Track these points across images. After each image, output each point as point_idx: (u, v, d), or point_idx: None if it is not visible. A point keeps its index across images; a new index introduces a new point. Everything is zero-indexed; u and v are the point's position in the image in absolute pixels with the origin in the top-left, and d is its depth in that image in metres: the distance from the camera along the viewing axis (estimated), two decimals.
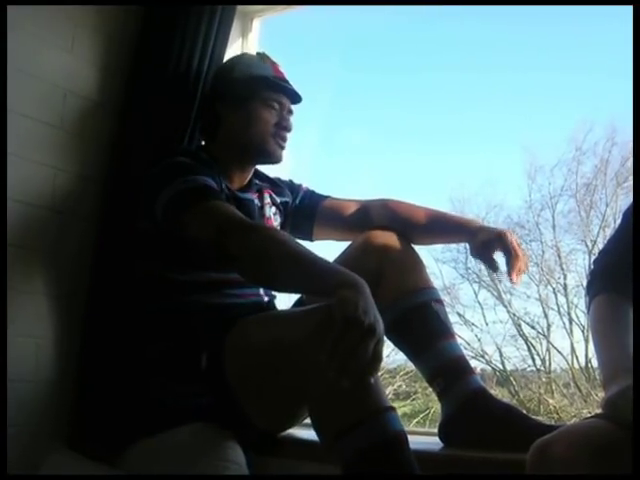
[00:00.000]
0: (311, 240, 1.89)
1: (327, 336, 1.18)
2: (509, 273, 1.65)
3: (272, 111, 1.73)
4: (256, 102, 1.72)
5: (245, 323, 1.44)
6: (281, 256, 1.37)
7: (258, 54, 1.80)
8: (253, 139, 1.72)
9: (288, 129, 1.75)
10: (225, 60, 1.87)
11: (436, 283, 1.81)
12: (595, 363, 4.65)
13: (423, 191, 6.06)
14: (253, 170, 1.80)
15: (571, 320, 5.38)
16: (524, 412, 1.60)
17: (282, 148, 1.75)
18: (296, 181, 1.93)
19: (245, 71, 1.74)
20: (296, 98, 1.78)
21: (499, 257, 1.68)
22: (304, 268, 1.35)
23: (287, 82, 1.76)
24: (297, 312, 1.39)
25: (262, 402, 1.42)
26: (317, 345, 1.22)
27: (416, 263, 1.73)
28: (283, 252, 1.38)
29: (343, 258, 1.74)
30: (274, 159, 1.76)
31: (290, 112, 1.77)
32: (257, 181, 1.81)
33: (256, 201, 1.77)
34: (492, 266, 1.69)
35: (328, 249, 1.93)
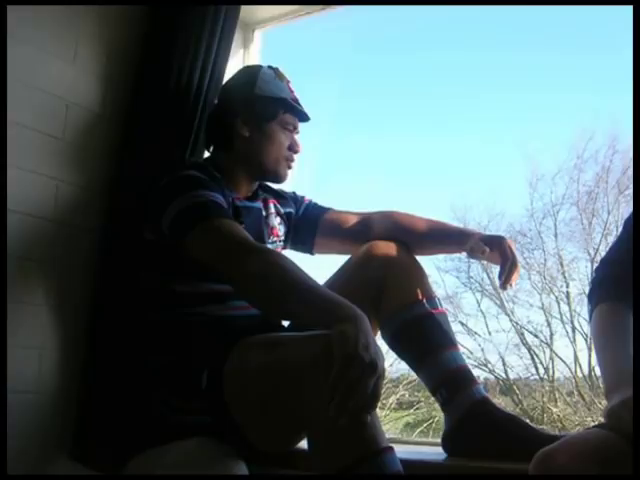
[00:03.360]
0: (312, 253, 1.90)
1: (326, 367, 1.18)
2: (501, 278, 1.65)
3: (287, 133, 1.75)
4: (275, 124, 1.73)
5: (245, 345, 1.43)
6: (280, 283, 1.37)
7: (271, 69, 1.79)
8: (268, 160, 1.73)
9: (299, 152, 1.78)
10: (242, 74, 1.84)
11: (439, 292, 1.82)
12: (598, 371, 4.63)
13: (424, 196, 6.06)
14: (258, 182, 1.81)
15: (574, 328, 5.38)
16: (527, 421, 1.60)
17: (290, 169, 1.78)
18: (300, 192, 1.94)
19: (265, 89, 1.73)
20: (307, 119, 1.81)
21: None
22: (303, 297, 1.35)
23: (299, 103, 1.78)
24: (298, 338, 1.36)
25: (260, 425, 1.40)
26: (316, 374, 1.22)
27: (419, 273, 1.73)
28: (282, 279, 1.37)
29: (346, 269, 1.75)
30: (281, 180, 1.79)
31: (298, 132, 1.79)
32: (262, 192, 1.82)
33: (262, 210, 1.77)
34: (482, 258, 1.69)
35: (329, 261, 1.94)
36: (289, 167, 1.77)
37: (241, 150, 1.74)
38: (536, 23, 5.45)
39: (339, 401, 1.14)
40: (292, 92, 1.77)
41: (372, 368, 1.17)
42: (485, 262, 1.77)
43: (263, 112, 1.73)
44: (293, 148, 1.76)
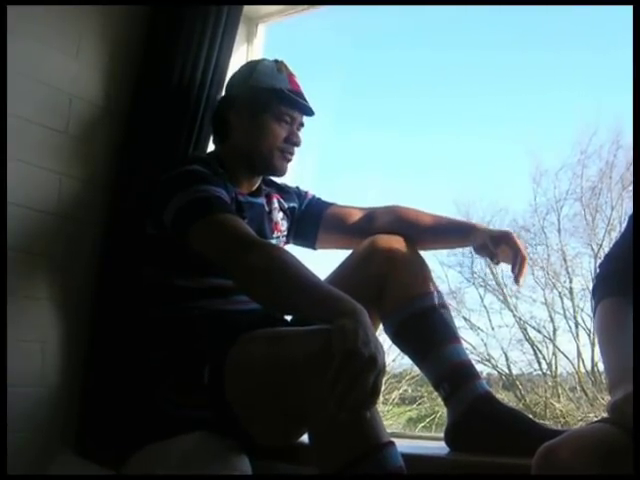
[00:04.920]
0: (314, 248, 1.89)
1: (326, 363, 1.17)
2: (514, 271, 1.65)
3: (283, 125, 1.71)
4: (268, 115, 1.70)
5: (246, 340, 1.42)
6: (281, 277, 1.37)
7: (276, 62, 1.77)
8: (261, 152, 1.71)
9: (297, 144, 1.74)
10: (241, 66, 1.84)
11: (442, 287, 1.82)
12: (601, 367, 4.63)
13: (428, 192, 6.05)
14: (262, 177, 1.80)
15: (577, 324, 5.36)
16: (530, 416, 1.60)
17: (288, 162, 1.74)
18: (303, 187, 1.93)
19: (261, 80, 1.72)
20: (309, 112, 1.76)
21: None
22: (304, 292, 1.35)
23: (302, 96, 1.74)
24: (298, 333, 1.36)
25: (261, 419, 1.40)
26: (316, 368, 1.22)
27: (422, 267, 1.72)
28: (284, 273, 1.37)
29: (348, 264, 1.74)
30: (278, 173, 1.76)
31: (301, 125, 1.76)
32: (265, 187, 1.81)
33: (265, 206, 1.77)
34: (495, 257, 1.70)
35: (332, 255, 1.93)
36: (286, 159, 1.74)
37: (236, 142, 1.73)
38: (539, 22, 5.42)
39: (338, 396, 1.14)
40: (294, 84, 1.74)
41: (372, 363, 1.17)
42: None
43: (255, 103, 1.71)
44: (290, 140, 1.72)
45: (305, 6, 2.26)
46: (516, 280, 1.66)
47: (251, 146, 1.71)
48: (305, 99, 1.75)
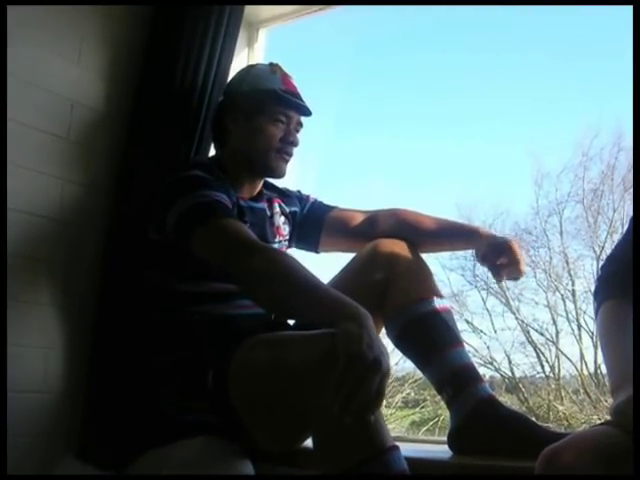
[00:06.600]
0: (316, 251, 1.89)
1: (330, 367, 1.17)
2: (502, 273, 1.69)
3: (279, 125, 1.70)
4: (262, 116, 1.70)
5: (250, 345, 1.42)
6: (284, 282, 1.37)
7: (270, 65, 1.77)
8: (257, 153, 1.70)
9: (294, 144, 1.73)
10: (237, 71, 1.84)
11: (444, 290, 1.82)
12: (604, 369, 4.62)
13: (430, 195, 6.06)
14: (263, 181, 1.80)
15: (580, 326, 5.36)
16: (533, 419, 1.60)
17: (286, 162, 1.73)
18: (304, 191, 1.93)
19: (253, 83, 1.73)
20: (306, 112, 1.75)
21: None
22: (307, 296, 1.35)
23: (297, 95, 1.73)
24: (302, 337, 1.36)
25: (266, 425, 1.40)
26: (320, 373, 1.22)
27: (424, 271, 1.73)
28: (287, 278, 1.37)
29: (351, 268, 1.74)
30: (277, 174, 1.74)
31: (299, 125, 1.75)
32: (267, 191, 1.81)
33: (266, 210, 1.77)
34: (497, 273, 1.70)
35: (335, 259, 1.93)
36: (284, 160, 1.72)
37: (234, 146, 1.74)
38: (541, 25, 5.45)
39: (343, 400, 1.14)
40: (288, 84, 1.73)
41: (376, 366, 1.17)
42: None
43: (249, 105, 1.71)
44: (286, 139, 1.71)
45: (308, 9, 2.26)
46: (497, 277, 1.70)
47: (248, 148, 1.71)
48: (301, 99, 1.74)
